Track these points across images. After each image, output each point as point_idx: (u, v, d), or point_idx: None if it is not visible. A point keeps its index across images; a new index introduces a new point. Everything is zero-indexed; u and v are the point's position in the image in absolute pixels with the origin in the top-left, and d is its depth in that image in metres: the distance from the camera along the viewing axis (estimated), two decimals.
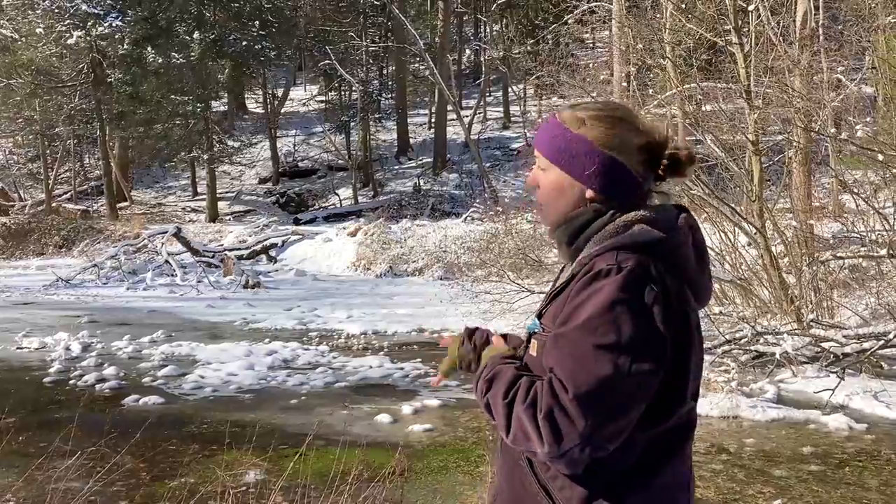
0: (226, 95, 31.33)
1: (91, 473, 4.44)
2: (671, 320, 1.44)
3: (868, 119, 11.28)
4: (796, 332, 8.10)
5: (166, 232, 18.56)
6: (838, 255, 9.31)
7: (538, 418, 1.39)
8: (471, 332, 1.80)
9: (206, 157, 25.63)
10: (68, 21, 24.58)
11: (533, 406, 1.41)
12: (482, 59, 32.06)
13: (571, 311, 1.45)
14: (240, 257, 18.83)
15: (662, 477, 1.50)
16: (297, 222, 23.68)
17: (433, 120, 29.29)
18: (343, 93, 31.58)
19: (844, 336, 7.72)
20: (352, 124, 28.57)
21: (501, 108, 31.50)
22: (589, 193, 1.56)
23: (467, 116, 27.47)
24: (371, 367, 8.68)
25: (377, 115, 29.80)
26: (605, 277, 1.43)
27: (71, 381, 8.04)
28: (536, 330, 1.56)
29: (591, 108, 1.60)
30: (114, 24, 24.89)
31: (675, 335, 1.45)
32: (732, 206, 9.34)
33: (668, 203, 1.60)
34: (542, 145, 1.60)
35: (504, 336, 1.73)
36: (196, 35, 24.63)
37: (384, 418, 6.56)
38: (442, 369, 1.84)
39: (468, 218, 20.06)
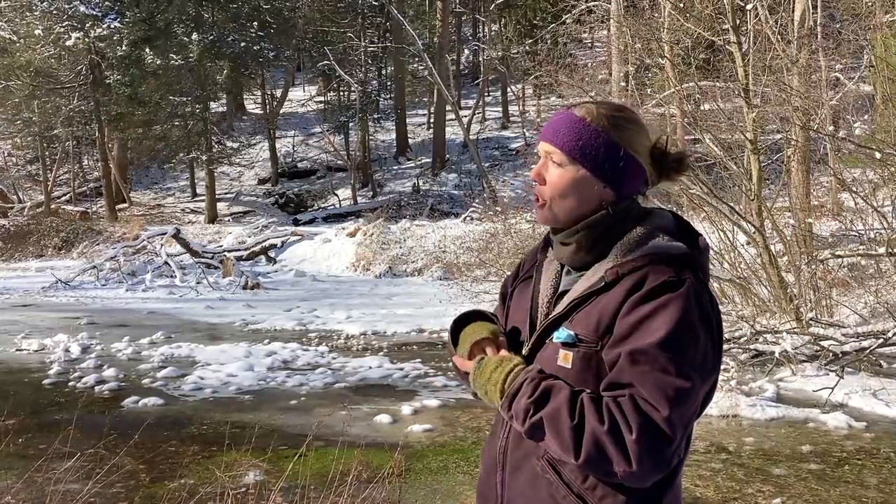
0: (224, 96, 31.32)
1: (90, 475, 4.44)
2: (717, 329, 1.49)
3: (866, 117, 11.30)
4: (795, 330, 8.11)
5: (165, 233, 18.57)
6: (837, 253, 9.32)
7: (628, 440, 1.36)
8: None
9: (204, 157, 25.63)
10: (66, 23, 24.57)
11: (616, 427, 1.37)
12: (481, 59, 32.06)
13: (637, 324, 1.42)
14: (239, 258, 18.84)
15: (677, 479, 1.53)
16: (296, 223, 23.68)
17: (432, 120, 29.29)
18: (342, 93, 31.58)
19: (843, 334, 7.73)
20: (351, 125, 28.57)
21: (500, 108, 31.51)
22: (609, 194, 1.54)
23: (466, 116, 27.48)
24: (370, 367, 8.68)
25: (376, 116, 29.80)
26: (668, 290, 1.42)
27: (70, 383, 8.03)
28: (571, 341, 1.49)
29: (613, 109, 1.57)
30: (112, 26, 24.88)
31: (718, 339, 1.49)
32: (731, 204, 9.35)
33: (662, 209, 1.62)
34: (563, 141, 1.54)
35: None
36: (194, 36, 24.62)
37: (384, 419, 6.56)
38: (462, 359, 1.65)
39: (467, 218, 20.07)
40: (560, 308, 1.54)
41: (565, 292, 1.57)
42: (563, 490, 1.48)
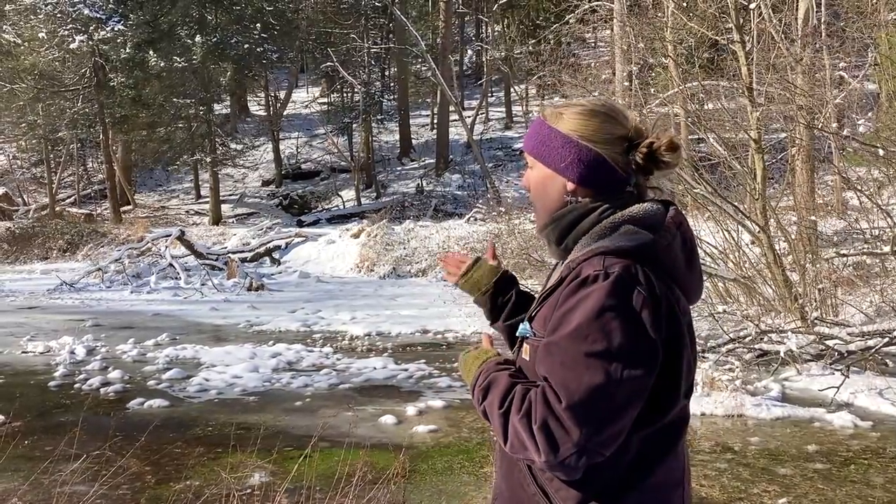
0: (228, 98, 31.37)
1: (96, 477, 4.45)
2: (661, 323, 1.43)
3: (871, 115, 11.27)
4: (800, 330, 8.09)
5: (170, 235, 18.60)
6: (842, 252, 9.29)
7: (533, 428, 1.40)
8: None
9: (208, 159, 25.68)
10: (71, 25, 24.63)
11: (528, 416, 1.42)
12: (484, 59, 32.04)
13: (560, 318, 1.45)
14: (243, 260, 18.86)
15: (656, 476, 1.50)
16: (300, 224, 23.71)
17: (435, 121, 29.30)
18: (345, 94, 31.61)
19: (849, 334, 7.71)
20: (354, 126, 28.59)
21: (503, 109, 31.51)
22: (570, 186, 1.56)
23: (469, 117, 27.48)
24: (375, 368, 8.68)
25: (379, 117, 29.83)
26: (592, 284, 1.43)
27: (76, 385, 8.05)
28: (528, 335, 1.55)
29: (572, 104, 1.62)
30: (116, 29, 24.93)
31: (666, 337, 1.44)
32: (735, 204, 9.33)
33: (655, 199, 1.59)
34: (526, 142, 1.64)
35: (490, 337, 1.74)
36: (198, 38, 24.67)
37: (388, 419, 6.56)
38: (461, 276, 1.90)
39: (471, 218, 20.07)
40: (535, 304, 1.60)
41: None
42: (528, 478, 1.54)
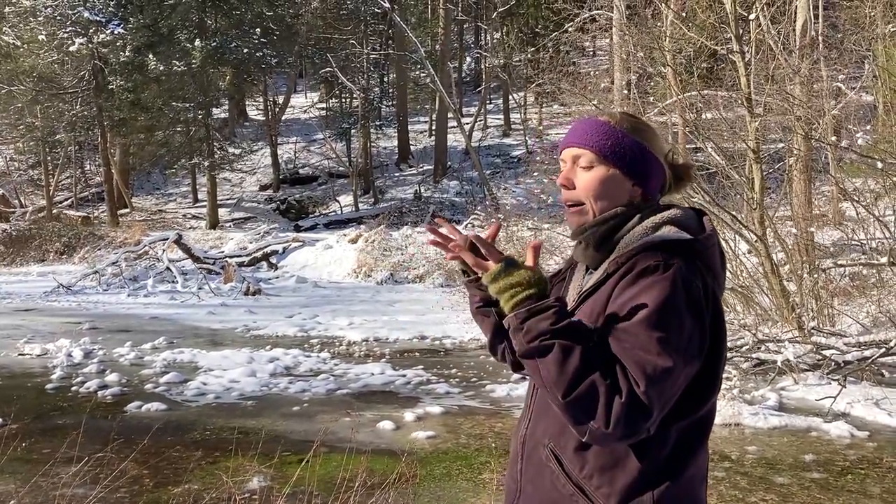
0: (227, 102, 31.36)
1: (96, 480, 4.45)
2: (711, 315, 1.49)
3: (868, 127, 11.32)
4: (797, 339, 8.11)
5: (167, 238, 18.60)
6: (839, 262, 9.33)
7: (616, 402, 1.39)
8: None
9: (206, 163, 25.66)
10: (70, 28, 24.65)
11: (615, 387, 1.40)
12: (483, 66, 32.12)
13: (623, 305, 1.46)
14: (241, 264, 18.85)
15: (689, 469, 1.53)
16: (297, 229, 23.69)
17: (434, 127, 29.34)
18: (344, 100, 31.64)
19: (846, 344, 7.74)
20: (352, 131, 28.62)
21: (502, 116, 31.57)
22: (637, 192, 1.61)
23: (468, 124, 27.52)
24: (373, 374, 8.68)
25: (378, 123, 29.84)
26: (653, 273, 1.46)
27: (73, 388, 8.04)
28: None
29: (631, 115, 1.67)
30: (115, 32, 24.96)
31: (712, 328, 1.50)
32: (733, 213, 9.36)
33: (685, 206, 1.66)
34: (592, 142, 1.60)
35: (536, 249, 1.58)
36: (197, 42, 24.68)
37: (387, 425, 6.56)
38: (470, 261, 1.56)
39: (469, 225, 20.08)
40: (573, 302, 1.60)
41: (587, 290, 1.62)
42: (562, 479, 1.54)
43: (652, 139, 1.63)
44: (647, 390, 1.39)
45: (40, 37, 25.06)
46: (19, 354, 9.83)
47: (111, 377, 8.41)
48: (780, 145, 12.15)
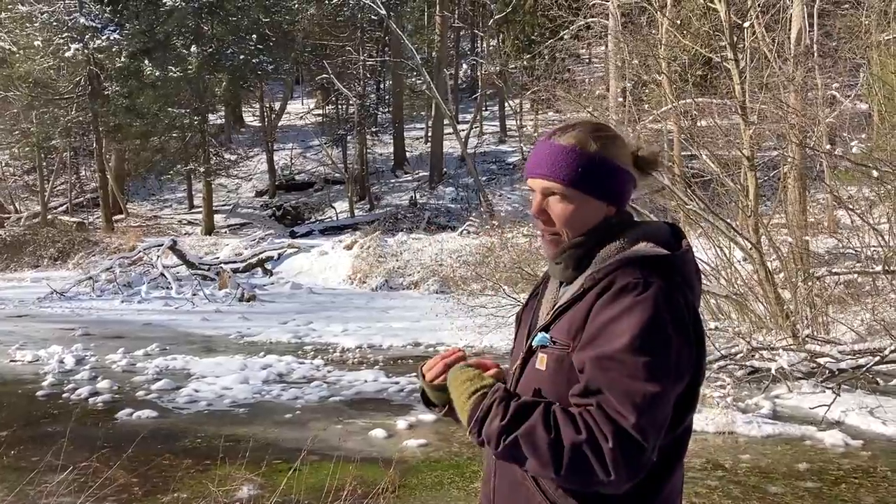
0: (223, 108, 31.35)
1: (83, 488, 4.40)
2: (692, 332, 1.47)
3: (863, 135, 11.34)
4: (792, 347, 8.10)
5: (162, 244, 18.53)
6: (834, 270, 9.32)
7: (605, 448, 1.36)
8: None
9: (202, 169, 25.64)
10: (66, 34, 24.62)
11: (593, 436, 1.37)
12: (479, 73, 32.14)
13: (603, 327, 1.43)
14: (235, 270, 18.80)
15: (670, 482, 1.51)
16: (293, 235, 23.66)
17: (430, 134, 29.35)
18: (340, 106, 31.64)
19: (840, 352, 7.72)
20: (349, 138, 28.61)
21: (498, 123, 31.59)
22: (612, 210, 1.58)
23: (464, 130, 27.54)
24: (366, 381, 8.65)
25: (374, 129, 29.85)
26: (632, 292, 1.43)
27: (64, 395, 7.99)
28: (546, 344, 1.52)
29: (595, 128, 1.58)
30: (111, 37, 24.92)
31: (695, 343, 1.48)
32: (728, 221, 9.36)
33: (659, 220, 1.65)
34: (563, 174, 1.54)
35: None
36: (193, 48, 24.69)
37: (378, 433, 6.53)
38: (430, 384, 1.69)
39: (464, 231, 20.07)
40: (547, 317, 1.57)
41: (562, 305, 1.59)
42: (538, 496, 1.50)
43: (619, 149, 1.57)
44: (639, 421, 1.36)
45: (36, 42, 25.02)
46: (10, 361, 9.77)
47: (103, 384, 8.36)
48: (775, 153, 12.17)
